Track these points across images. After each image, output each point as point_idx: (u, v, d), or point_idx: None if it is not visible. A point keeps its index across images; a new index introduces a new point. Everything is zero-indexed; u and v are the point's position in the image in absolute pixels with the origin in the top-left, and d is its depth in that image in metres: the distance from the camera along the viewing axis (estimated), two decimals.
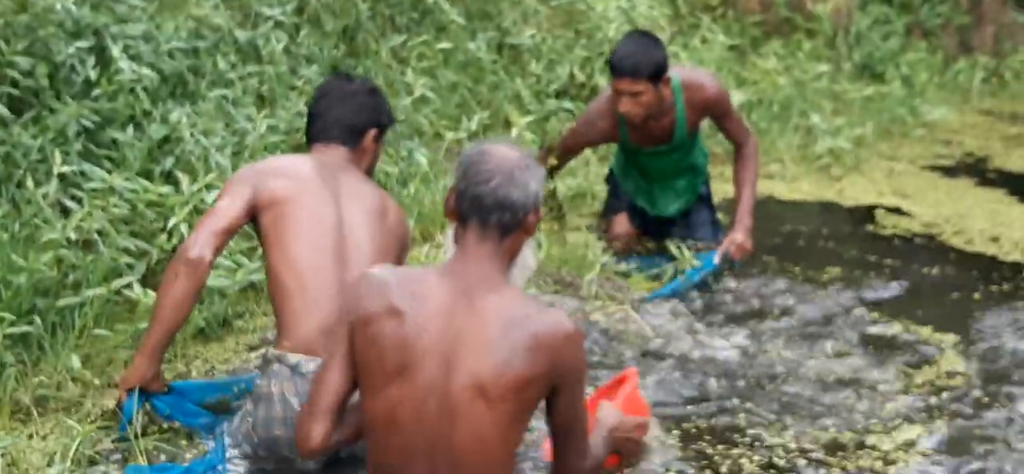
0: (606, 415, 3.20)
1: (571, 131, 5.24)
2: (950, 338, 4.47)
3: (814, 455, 3.52)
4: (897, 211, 6.25)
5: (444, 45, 6.02)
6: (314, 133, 3.55)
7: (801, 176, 6.67)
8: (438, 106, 5.77)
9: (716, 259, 4.86)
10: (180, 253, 3.16)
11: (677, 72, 4.93)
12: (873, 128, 7.49)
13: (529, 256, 2.87)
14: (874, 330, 4.55)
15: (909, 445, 3.61)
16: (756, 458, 3.49)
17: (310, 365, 3.09)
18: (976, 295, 5.01)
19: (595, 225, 5.47)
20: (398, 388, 2.68)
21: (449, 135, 5.68)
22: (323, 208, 3.28)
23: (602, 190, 5.65)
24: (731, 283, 4.96)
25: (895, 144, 7.50)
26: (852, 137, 7.13)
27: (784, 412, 3.82)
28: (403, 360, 2.68)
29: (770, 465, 3.45)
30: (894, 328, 4.56)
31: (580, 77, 6.59)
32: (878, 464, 3.48)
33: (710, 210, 5.35)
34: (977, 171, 7.08)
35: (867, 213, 6.24)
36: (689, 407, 3.83)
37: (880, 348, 4.38)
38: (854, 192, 6.54)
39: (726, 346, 4.34)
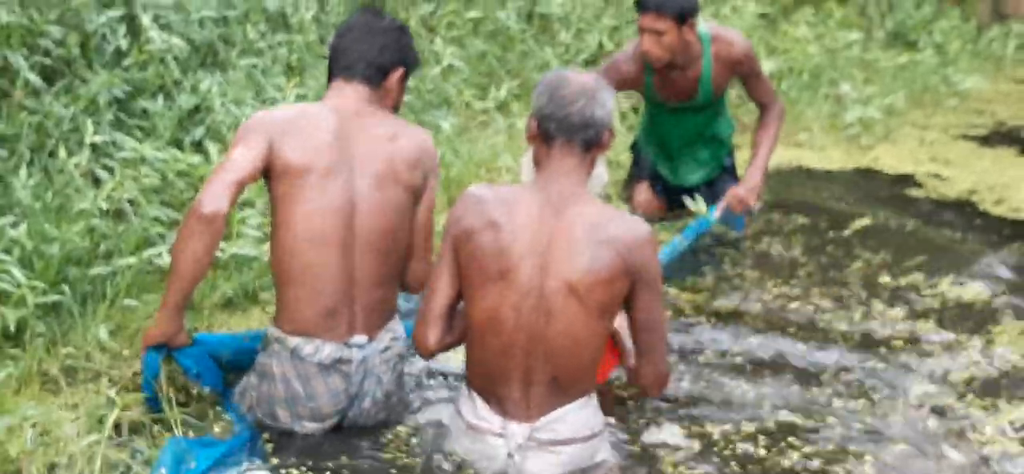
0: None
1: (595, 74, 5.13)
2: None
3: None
4: (937, 177, 6.19)
5: (473, 14, 6.01)
6: (337, 69, 3.39)
7: (830, 145, 6.59)
8: (467, 75, 5.76)
9: (716, 214, 4.73)
10: (195, 208, 3.05)
11: (708, 27, 4.82)
12: (905, 97, 7.42)
13: (603, 170, 3.18)
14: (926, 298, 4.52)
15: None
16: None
17: (308, 348, 3.13)
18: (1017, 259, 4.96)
19: (619, 194, 5.42)
20: (499, 291, 3.00)
21: (477, 104, 5.68)
22: (333, 189, 3.16)
23: (627, 159, 5.59)
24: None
25: (927, 113, 7.41)
26: (883, 106, 7.05)
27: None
28: (502, 266, 3.00)
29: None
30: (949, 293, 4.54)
31: (609, 45, 6.57)
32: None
33: (735, 181, 5.15)
34: (1013, 139, 6.99)
35: (906, 180, 6.17)
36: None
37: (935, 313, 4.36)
38: (889, 160, 6.46)
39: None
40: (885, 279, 4.64)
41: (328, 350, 3.16)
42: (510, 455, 3.06)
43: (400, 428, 3.34)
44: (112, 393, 3.18)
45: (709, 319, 4.31)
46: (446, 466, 3.13)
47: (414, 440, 3.29)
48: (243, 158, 3.13)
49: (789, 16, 8.00)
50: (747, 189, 4.74)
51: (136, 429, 3.15)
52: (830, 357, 3.98)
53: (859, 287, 4.58)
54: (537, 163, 3.15)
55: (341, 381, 3.19)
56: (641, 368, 3.19)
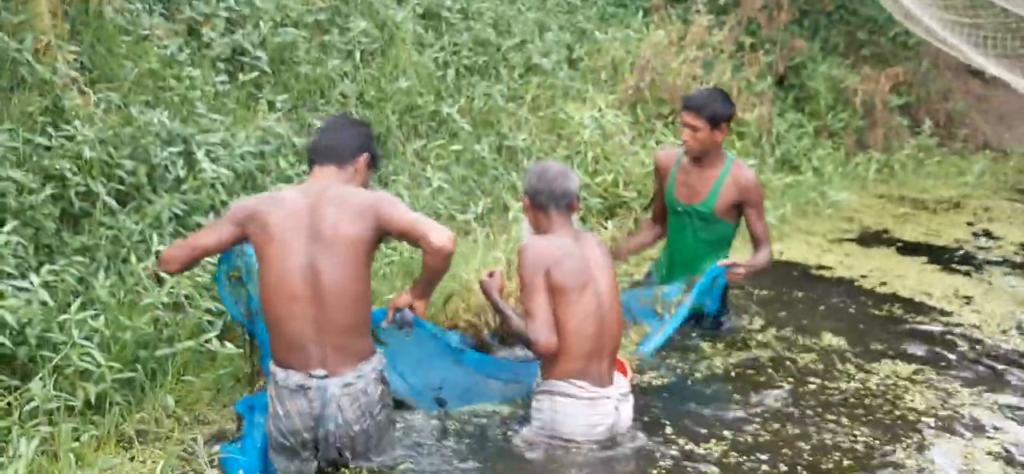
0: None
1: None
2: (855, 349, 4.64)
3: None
4: (822, 267, 6.33)
5: (456, 147, 6.06)
6: (315, 158, 3.42)
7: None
8: (451, 194, 5.80)
9: (724, 263, 4.38)
10: (161, 257, 3.47)
11: (736, 160, 4.73)
12: (792, 208, 7.53)
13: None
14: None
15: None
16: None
17: (280, 375, 3.25)
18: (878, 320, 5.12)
19: None
20: (586, 298, 3.52)
21: (459, 216, 5.71)
22: (295, 255, 3.18)
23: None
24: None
25: (809, 221, 7.52)
26: (776, 216, 7.16)
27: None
28: (584, 280, 3.54)
29: None
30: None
31: None
32: None
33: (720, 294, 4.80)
34: (877, 240, 7.11)
35: (803, 269, 6.31)
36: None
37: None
38: (789, 254, 6.57)
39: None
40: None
41: (295, 378, 3.22)
42: (615, 407, 3.57)
43: None
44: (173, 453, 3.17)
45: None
46: (578, 438, 3.51)
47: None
48: (205, 236, 3.40)
49: None
50: (745, 266, 4.47)
51: None
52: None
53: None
54: (538, 225, 3.65)
55: (306, 404, 3.21)
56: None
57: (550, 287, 3.46)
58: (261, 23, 5.52)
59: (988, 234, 7.48)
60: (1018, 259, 6.78)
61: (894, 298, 5.72)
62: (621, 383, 3.66)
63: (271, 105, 5.29)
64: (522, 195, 3.72)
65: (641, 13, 8.84)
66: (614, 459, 3.54)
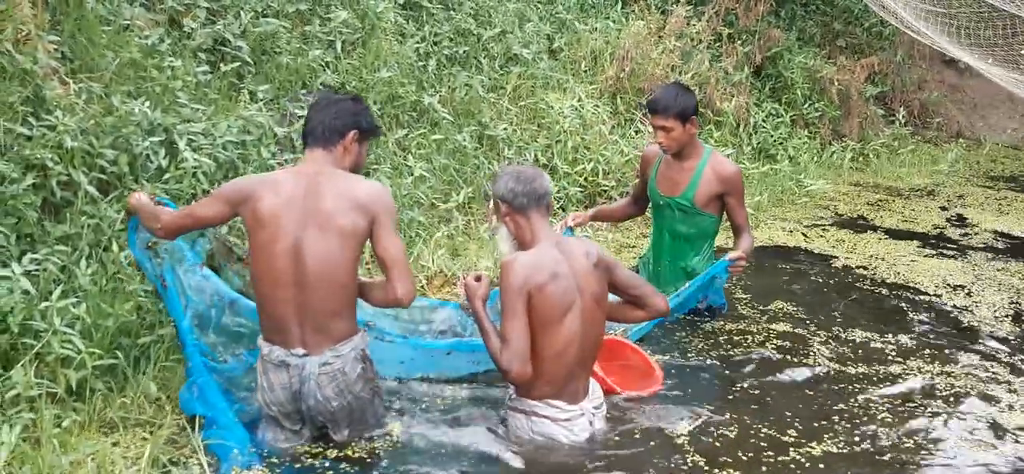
0: None
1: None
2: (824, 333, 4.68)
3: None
4: (800, 247, 6.42)
5: (437, 137, 6.07)
6: (304, 140, 3.41)
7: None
8: (433, 183, 5.81)
9: (730, 256, 4.39)
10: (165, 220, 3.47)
11: (714, 151, 4.74)
12: (768, 197, 7.58)
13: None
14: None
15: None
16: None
17: (266, 349, 3.31)
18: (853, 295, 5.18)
19: None
20: (569, 322, 3.35)
21: (441, 205, 5.72)
22: (283, 237, 3.21)
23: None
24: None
25: (785, 209, 7.58)
26: (752, 204, 7.20)
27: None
28: (570, 300, 3.37)
29: None
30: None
31: (542, 160, 6.65)
32: None
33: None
34: (848, 224, 7.18)
35: (780, 247, 6.38)
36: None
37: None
38: (762, 238, 6.63)
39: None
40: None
41: (277, 353, 3.29)
42: (590, 422, 3.49)
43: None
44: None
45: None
46: (555, 453, 3.39)
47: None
48: (202, 208, 3.39)
49: None
50: (743, 253, 4.50)
51: (175, 461, 3.14)
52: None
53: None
54: (519, 233, 3.47)
55: (286, 378, 3.28)
56: (651, 304, 3.62)
57: (532, 312, 3.28)
58: (242, 13, 5.49)
59: (962, 220, 7.57)
60: (995, 244, 6.86)
61: (875, 280, 5.78)
62: (595, 394, 3.58)
63: (252, 95, 5.27)
64: (495, 202, 3.49)
65: (620, 4, 8.86)
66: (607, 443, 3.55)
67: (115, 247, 3.88)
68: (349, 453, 3.34)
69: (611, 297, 3.65)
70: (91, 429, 3.23)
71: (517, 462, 3.37)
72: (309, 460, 3.30)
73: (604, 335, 3.61)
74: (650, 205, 4.92)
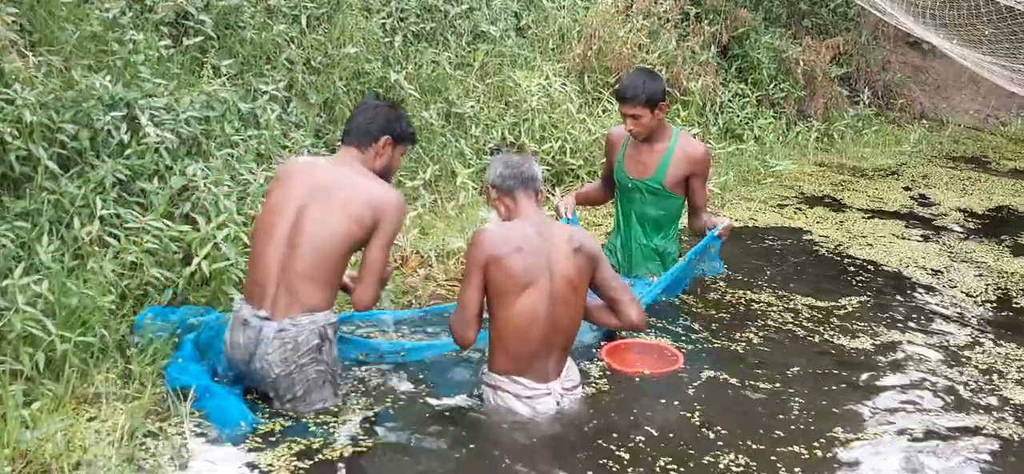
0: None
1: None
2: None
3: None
4: (763, 227, 6.47)
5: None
6: (343, 137, 3.63)
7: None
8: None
9: (717, 232, 4.60)
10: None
11: (681, 132, 4.78)
12: (734, 176, 7.65)
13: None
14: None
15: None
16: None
17: (237, 304, 3.45)
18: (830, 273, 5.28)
19: None
20: (533, 294, 3.40)
21: (408, 183, 5.72)
22: (289, 203, 3.41)
23: None
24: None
25: (750, 189, 7.65)
26: (718, 183, 7.28)
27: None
28: (532, 276, 3.41)
29: None
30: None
31: (510, 138, 6.67)
32: None
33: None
34: (815, 202, 7.28)
35: (743, 228, 6.40)
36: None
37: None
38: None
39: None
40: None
41: (244, 311, 3.40)
42: (557, 402, 3.52)
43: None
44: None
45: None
46: (522, 427, 3.43)
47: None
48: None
49: None
50: (727, 220, 4.70)
51: (155, 433, 3.16)
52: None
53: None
54: (506, 214, 3.58)
55: (244, 336, 3.38)
56: (625, 313, 3.67)
57: (489, 282, 3.40)
58: None
59: (925, 200, 7.71)
60: (967, 223, 7.00)
61: (839, 256, 5.88)
62: (571, 375, 3.63)
63: (216, 70, 5.23)
64: (486, 189, 3.65)
65: None
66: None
67: (76, 223, 3.85)
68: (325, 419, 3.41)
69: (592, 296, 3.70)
70: (66, 406, 3.21)
71: (479, 431, 3.42)
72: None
73: (579, 323, 3.63)
74: (618, 189, 4.92)
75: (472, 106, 6.62)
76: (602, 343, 4.17)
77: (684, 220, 4.95)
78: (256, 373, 3.39)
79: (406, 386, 3.70)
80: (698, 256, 4.67)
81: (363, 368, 3.80)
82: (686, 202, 4.81)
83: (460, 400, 3.63)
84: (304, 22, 5.90)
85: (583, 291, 3.55)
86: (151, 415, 3.30)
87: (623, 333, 4.17)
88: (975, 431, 3.74)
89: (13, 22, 4.30)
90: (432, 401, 3.62)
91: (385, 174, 3.60)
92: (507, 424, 3.46)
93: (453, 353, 3.88)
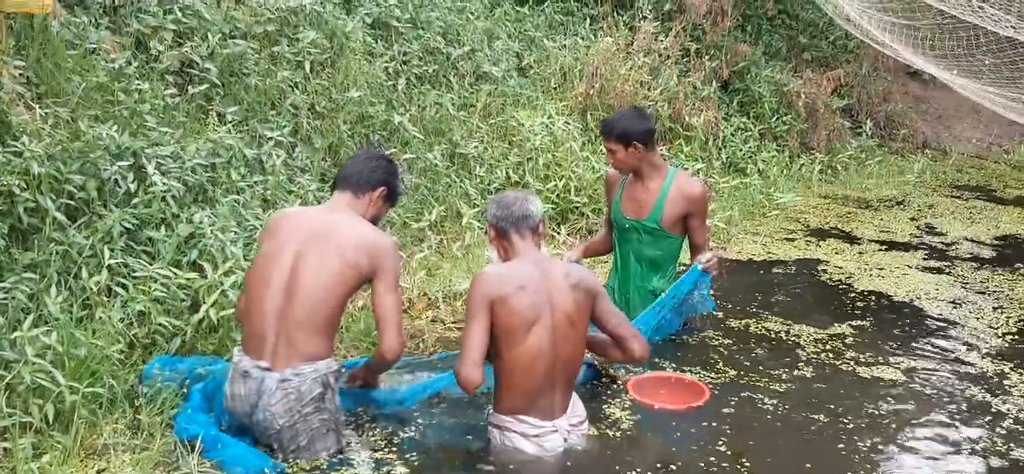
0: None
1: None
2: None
3: None
4: (773, 259, 6.50)
5: (408, 155, 6.09)
6: (336, 183, 3.68)
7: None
8: (405, 202, 5.83)
9: (702, 265, 4.54)
10: None
11: (679, 171, 4.74)
12: (739, 210, 7.66)
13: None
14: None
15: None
16: None
17: (237, 356, 3.42)
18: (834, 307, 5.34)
19: None
20: (537, 335, 3.41)
21: (413, 224, 5.74)
22: (285, 252, 3.41)
23: None
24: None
25: (756, 222, 7.66)
26: (723, 218, 7.29)
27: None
28: (537, 313, 3.42)
29: None
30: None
31: (514, 177, 6.69)
32: None
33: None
34: (821, 235, 7.28)
35: (751, 262, 6.46)
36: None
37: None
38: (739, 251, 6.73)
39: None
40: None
41: (244, 362, 3.38)
42: (565, 439, 3.53)
43: None
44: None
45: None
46: (530, 466, 3.44)
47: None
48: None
49: None
50: (713, 257, 4.62)
51: None
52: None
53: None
54: (503, 254, 3.61)
55: (246, 388, 3.36)
56: (628, 347, 3.65)
57: (496, 322, 3.39)
58: (210, 35, 5.49)
59: (932, 229, 7.71)
60: (979, 253, 6.99)
61: (851, 288, 5.87)
62: (577, 411, 3.63)
63: (221, 117, 5.27)
64: (487, 228, 3.70)
65: (588, 21, 8.95)
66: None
67: (85, 274, 3.86)
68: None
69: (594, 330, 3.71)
70: (74, 458, 3.20)
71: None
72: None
73: (581, 357, 3.64)
74: (615, 230, 4.87)
75: (476, 147, 6.65)
76: (627, 379, 4.19)
77: (684, 259, 4.93)
78: (259, 425, 3.37)
79: (411, 432, 3.68)
80: (687, 294, 4.59)
81: (367, 414, 3.78)
82: (687, 241, 4.79)
83: (467, 441, 3.61)
84: (308, 68, 5.95)
85: (583, 326, 3.56)
86: (160, 466, 3.30)
87: (625, 367, 4.21)
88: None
89: (20, 75, 4.34)
90: (440, 444, 3.61)
91: (372, 223, 3.64)
92: (515, 464, 3.45)
93: (456, 395, 3.86)
